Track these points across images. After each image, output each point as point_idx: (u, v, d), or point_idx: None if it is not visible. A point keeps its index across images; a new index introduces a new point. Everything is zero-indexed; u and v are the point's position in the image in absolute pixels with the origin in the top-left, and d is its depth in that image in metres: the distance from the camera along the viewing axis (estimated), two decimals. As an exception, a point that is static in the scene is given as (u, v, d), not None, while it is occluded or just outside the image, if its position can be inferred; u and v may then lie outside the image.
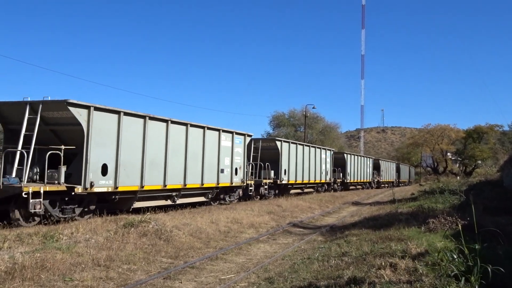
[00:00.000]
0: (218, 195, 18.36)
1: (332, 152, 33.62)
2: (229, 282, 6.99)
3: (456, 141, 69.84)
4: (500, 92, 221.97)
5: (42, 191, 10.37)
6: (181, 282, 6.97)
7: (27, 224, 10.53)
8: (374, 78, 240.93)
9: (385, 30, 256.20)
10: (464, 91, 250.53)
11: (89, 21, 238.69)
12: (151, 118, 13.91)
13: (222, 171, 17.91)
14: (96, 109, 11.81)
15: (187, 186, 15.73)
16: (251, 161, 21.51)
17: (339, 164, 35.68)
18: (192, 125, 15.95)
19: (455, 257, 6.09)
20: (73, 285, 6.34)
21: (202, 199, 17.28)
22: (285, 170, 24.40)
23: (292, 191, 26.22)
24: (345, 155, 37.37)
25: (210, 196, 17.62)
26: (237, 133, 19.10)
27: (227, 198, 19.06)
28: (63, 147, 11.33)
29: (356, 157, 40.85)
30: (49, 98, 11.53)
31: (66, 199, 11.43)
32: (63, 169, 11.21)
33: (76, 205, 11.75)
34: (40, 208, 10.32)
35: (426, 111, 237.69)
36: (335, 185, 34.64)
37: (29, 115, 11.38)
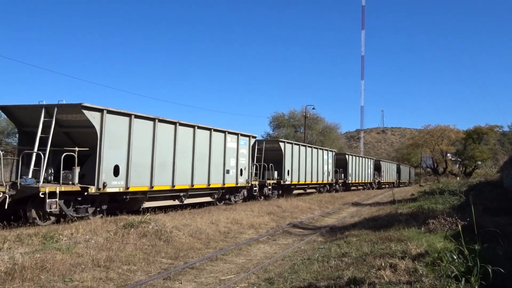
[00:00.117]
0: (223, 195, 18.72)
1: (334, 153, 33.91)
2: (229, 282, 6.99)
3: (456, 142, 69.81)
4: (500, 93, 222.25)
5: (58, 191, 10.78)
6: (181, 283, 6.97)
7: (43, 223, 10.93)
8: (374, 79, 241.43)
9: (385, 31, 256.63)
10: (464, 92, 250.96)
11: (88, 21, 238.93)
12: (160, 121, 14.31)
13: (228, 172, 18.27)
14: (109, 112, 12.22)
15: (195, 187, 16.15)
16: (255, 162, 21.79)
17: (340, 165, 35.88)
18: (199, 127, 16.36)
19: (455, 257, 6.09)
20: (73, 286, 6.33)
21: (208, 199, 17.65)
22: (288, 171, 24.72)
23: (295, 192, 26.53)
24: (347, 156, 37.56)
25: (216, 196, 17.99)
26: (242, 135, 19.48)
27: (232, 199, 19.37)
28: (77, 149, 11.72)
29: (357, 158, 41.09)
30: (64, 102, 11.96)
31: (79, 199, 11.83)
32: (77, 170, 11.64)
33: (89, 205, 12.17)
34: (56, 208, 10.74)
35: (426, 112, 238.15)
36: (337, 186, 34.84)
37: (44, 118, 11.80)
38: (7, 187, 10.23)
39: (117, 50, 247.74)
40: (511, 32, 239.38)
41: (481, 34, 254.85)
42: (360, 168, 40.51)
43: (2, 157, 10.44)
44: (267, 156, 23.10)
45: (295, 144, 26.72)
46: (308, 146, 29.04)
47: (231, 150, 18.54)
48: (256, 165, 21.88)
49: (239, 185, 19.21)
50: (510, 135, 78.34)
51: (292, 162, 25.29)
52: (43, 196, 10.46)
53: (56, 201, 10.72)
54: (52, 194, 10.64)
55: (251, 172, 20.54)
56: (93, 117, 11.80)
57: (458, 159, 73.45)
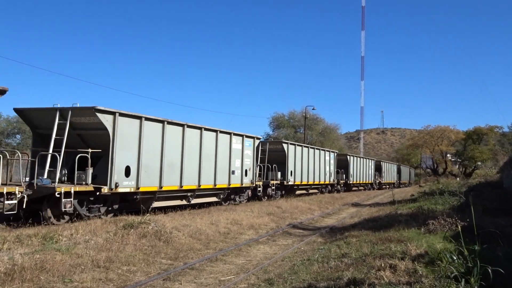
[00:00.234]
0: (229, 195, 19.11)
1: (335, 154, 34.27)
2: (228, 283, 6.99)
3: (455, 143, 69.75)
4: (500, 93, 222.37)
5: (72, 191, 11.24)
6: (181, 284, 6.97)
7: (58, 222, 11.30)
8: (374, 79, 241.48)
9: (385, 30, 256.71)
10: (464, 92, 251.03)
11: (86, 21, 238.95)
12: (169, 123, 14.77)
13: (233, 172, 18.67)
14: (121, 114, 12.66)
15: (201, 187, 16.58)
16: (258, 163, 22.09)
17: (342, 165, 36.15)
18: (206, 129, 16.84)
19: (455, 258, 6.09)
20: (73, 287, 6.33)
21: (214, 199, 18.04)
22: (291, 171, 25.09)
23: (297, 192, 26.91)
24: (348, 157, 37.85)
25: (222, 196, 18.39)
26: (247, 136, 19.95)
27: (237, 199, 19.78)
28: (90, 150, 12.16)
29: (358, 158, 41.43)
30: (78, 105, 12.43)
31: (91, 198, 12.22)
32: (90, 170, 12.07)
33: (101, 204, 12.60)
34: (70, 207, 11.18)
35: (426, 112, 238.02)
36: (338, 186, 35.13)
37: (59, 120, 12.22)
38: (25, 187, 10.54)
39: (117, 50, 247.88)
40: (511, 32, 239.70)
41: (481, 34, 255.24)
42: (361, 169, 40.77)
43: (21, 159, 11.01)
44: (271, 157, 23.46)
45: (298, 145, 27.10)
46: (311, 147, 29.42)
47: (236, 151, 18.97)
48: (260, 166, 22.22)
49: (244, 185, 19.62)
50: (510, 135, 78.32)
51: (295, 163, 25.64)
52: (58, 196, 10.88)
53: (71, 201, 11.15)
54: (67, 194, 11.09)
55: (255, 173, 20.91)
56: (106, 120, 12.22)
57: (458, 160, 73.40)
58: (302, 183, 26.96)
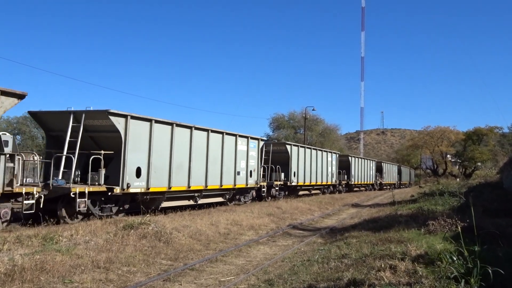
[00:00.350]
0: (234, 195, 19.55)
1: (337, 155, 34.78)
2: (228, 284, 6.99)
3: (455, 143, 69.79)
4: (500, 93, 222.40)
5: (86, 192, 11.65)
6: (181, 284, 6.97)
7: (72, 221, 11.66)
8: (374, 80, 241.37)
9: (384, 31, 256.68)
10: (464, 92, 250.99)
11: (84, 21, 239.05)
12: (178, 125, 15.21)
13: (239, 173, 19.11)
14: (132, 117, 13.10)
15: (208, 188, 17.04)
16: (262, 164, 22.49)
17: (343, 166, 36.53)
18: (212, 131, 17.33)
19: (455, 259, 6.09)
20: (73, 287, 6.33)
21: (220, 199, 18.49)
22: (294, 172, 25.58)
23: (300, 193, 27.34)
24: (350, 158, 38.23)
25: (227, 196, 18.85)
26: (251, 138, 20.53)
27: (242, 199, 20.21)
28: (102, 152, 12.56)
29: (360, 159, 41.82)
30: (91, 108, 12.88)
31: (103, 199, 12.59)
32: (103, 171, 12.47)
33: (113, 204, 13.01)
34: (84, 207, 11.59)
35: (426, 113, 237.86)
36: (340, 187, 35.49)
37: (72, 123, 12.65)
38: (41, 187, 10.89)
39: (116, 50, 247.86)
40: (511, 32, 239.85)
41: (481, 34, 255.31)
42: (362, 170, 41.13)
43: (39, 161, 11.39)
44: (274, 158, 23.86)
45: (301, 146, 27.68)
46: (313, 149, 29.91)
47: (241, 153, 19.45)
48: (264, 167, 22.63)
49: (248, 186, 20.12)
50: (510, 136, 78.36)
51: (298, 164, 26.11)
52: (73, 196, 11.31)
53: (85, 201, 11.56)
54: (81, 194, 11.50)
55: (260, 174, 21.34)
56: (118, 123, 12.64)
57: (458, 160, 73.43)
58: (305, 183, 27.41)
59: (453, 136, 68.24)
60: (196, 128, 16.23)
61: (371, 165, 45.18)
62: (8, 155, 9.97)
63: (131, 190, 13.09)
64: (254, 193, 21.26)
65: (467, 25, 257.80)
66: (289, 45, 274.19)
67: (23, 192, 10.27)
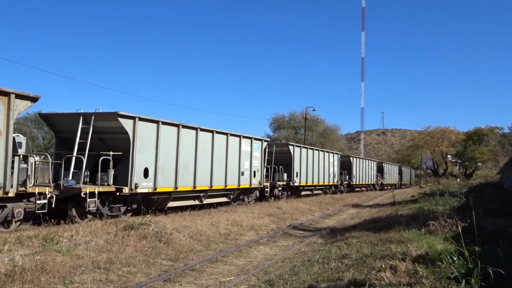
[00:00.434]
0: (238, 195, 19.86)
1: (339, 156, 35.16)
2: (229, 284, 6.99)
3: (456, 143, 69.74)
4: (500, 93, 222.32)
5: (96, 192, 11.94)
6: (181, 285, 6.97)
7: (81, 221, 11.83)
8: (374, 80, 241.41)
9: (384, 31, 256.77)
10: (464, 92, 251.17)
11: (85, 21, 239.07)
12: (184, 126, 15.49)
13: (243, 174, 19.39)
14: (140, 119, 13.38)
15: (213, 188, 17.33)
16: (265, 165, 22.70)
17: (345, 167, 36.78)
18: (217, 132, 17.61)
19: (455, 259, 6.08)
20: (73, 288, 6.33)
21: (224, 199, 18.79)
22: (297, 172, 25.89)
23: (303, 193, 27.61)
24: (351, 158, 38.54)
25: (232, 196, 19.13)
26: (255, 139, 20.91)
27: (246, 199, 20.50)
28: (111, 153, 12.86)
29: (361, 160, 42.17)
30: (101, 110, 13.13)
31: (111, 199, 12.86)
32: (112, 172, 12.75)
33: (121, 204, 13.27)
34: (94, 207, 11.91)
35: (426, 113, 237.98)
36: (342, 187, 35.77)
37: (82, 125, 12.95)
38: (53, 188, 11.13)
39: (116, 50, 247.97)
40: (511, 32, 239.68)
41: (481, 34, 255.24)
42: (363, 170, 41.43)
43: (51, 162, 11.73)
44: (277, 159, 24.12)
45: (303, 147, 28.01)
46: (315, 149, 30.20)
47: (245, 153, 19.75)
48: (267, 167, 22.87)
49: (252, 186, 20.43)
50: (510, 136, 78.25)
51: (300, 164, 26.42)
52: (84, 196, 11.57)
53: (95, 201, 11.87)
54: (91, 194, 11.78)
55: (263, 174, 21.62)
56: (127, 124, 12.94)
57: (458, 161, 73.37)
58: (307, 184, 27.75)
59: (453, 136, 68.21)
60: (202, 130, 16.50)
61: (373, 165, 45.47)
62: (21, 156, 10.24)
63: (139, 190, 13.35)
64: (257, 193, 21.59)
65: (467, 25, 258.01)
66: (289, 45, 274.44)
67: (36, 192, 10.48)
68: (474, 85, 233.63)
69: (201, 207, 17.10)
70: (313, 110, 48.34)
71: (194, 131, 16.10)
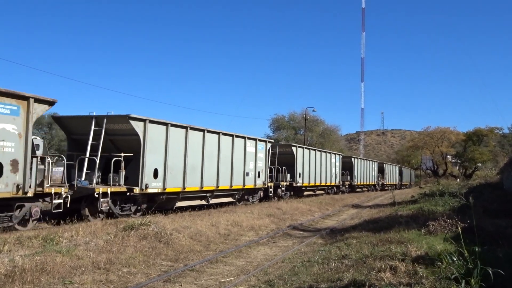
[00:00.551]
0: (243, 196, 20.33)
1: (340, 157, 35.65)
2: (229, 285, 6.99)
3: (456, 144, 69.75)
4: (500, 94, 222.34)
5: (109, 192, 12.35)
6: (181, 285, 6.97)
7: (94, 220, 12.14)
8: (374, 80, 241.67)
9: (384, 31, 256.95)
10: (464, 93, 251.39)
11: (85, 21, 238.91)
12: (191, 128, 15.94)
13: (248, 174, 19.81)
14: (150, 121, 13.81)
15: (219, 188, 17.76)
16: (269, 165, 23.00)
17: (346, 167, 37.10)
18: (223, 133, 18.07)
19: (455, 259, 6.08)
20: (73, 288, 6.33)
21: (230, 199, 19.27)
22: (299, 173, 26.36)
23: (305, 193, 28.06)
24: (353, 159, 38.89)
25: (237, 197, 19.60)
26: (260, 140, 21.42)
27: (250, 199, 20.93)
28: (123, 154, 13.26)
29: (362, 161, 42.56)
30: (112, 113, 13.57)
31: (122, 198, 13.23)
32: (123, 173, 13.13)
33: (132, 204, 13.69)
34: (106, 206, 12.32)
35: (426, 114, 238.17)
36: (343, 188, 36.06)
37: (94, 127, 13.37)
38: (67, 188, 11.50)
39: (116, 50, 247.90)
40: (511, 32, 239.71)
41: (481, 34, 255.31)
42: (365, 171, 41.73)
43: (65, 162, 12.21)
44: (280, 160, 24.48)
45: (306, 148, 28.55)
46: (318, 150, 30.58)
47: (250, 155, 20.21)
48: (270, 168, 23.21)
49: (257, 186, 20.93)
50: (510, 137, 78.29)
51: (303, 165, 26.87)
52: (97, 196, 11.95)
53: (107, 201, 12.29)
54: (104, 194, 12.18)
55: (267, 175, 22.03)
56: (138, 126, 13.36)
57: (458, 161, 73.35)
58: (310, 184, 28.18)
59: (453, 137, 68.23)
60: (209, 131, 16.94)
61: (374, 166, 45.87)
62: (39, 158, 10.57)
63: (149, 191, 13.75)
64: (261, 193, 21.96)
65: (467, 25, 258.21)
66: (289, 45, 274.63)
67: (52, 192, 10.85)
68: (474, 85, 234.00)
69: (203, 207, 17.11)
70: (313, 110, 48.54)
71: (201, 133, 16.51)
